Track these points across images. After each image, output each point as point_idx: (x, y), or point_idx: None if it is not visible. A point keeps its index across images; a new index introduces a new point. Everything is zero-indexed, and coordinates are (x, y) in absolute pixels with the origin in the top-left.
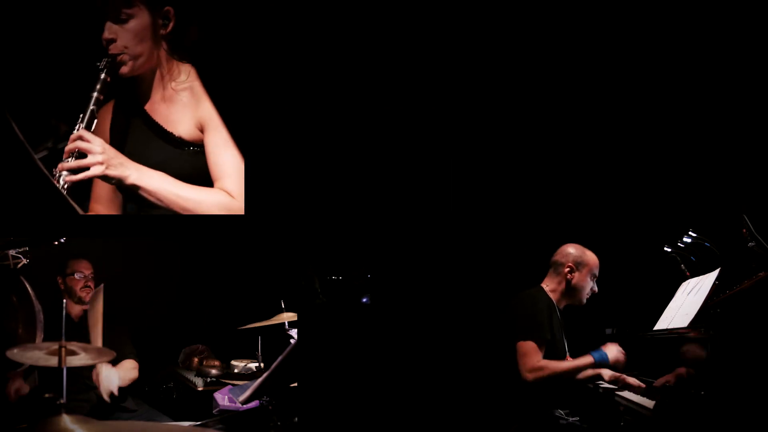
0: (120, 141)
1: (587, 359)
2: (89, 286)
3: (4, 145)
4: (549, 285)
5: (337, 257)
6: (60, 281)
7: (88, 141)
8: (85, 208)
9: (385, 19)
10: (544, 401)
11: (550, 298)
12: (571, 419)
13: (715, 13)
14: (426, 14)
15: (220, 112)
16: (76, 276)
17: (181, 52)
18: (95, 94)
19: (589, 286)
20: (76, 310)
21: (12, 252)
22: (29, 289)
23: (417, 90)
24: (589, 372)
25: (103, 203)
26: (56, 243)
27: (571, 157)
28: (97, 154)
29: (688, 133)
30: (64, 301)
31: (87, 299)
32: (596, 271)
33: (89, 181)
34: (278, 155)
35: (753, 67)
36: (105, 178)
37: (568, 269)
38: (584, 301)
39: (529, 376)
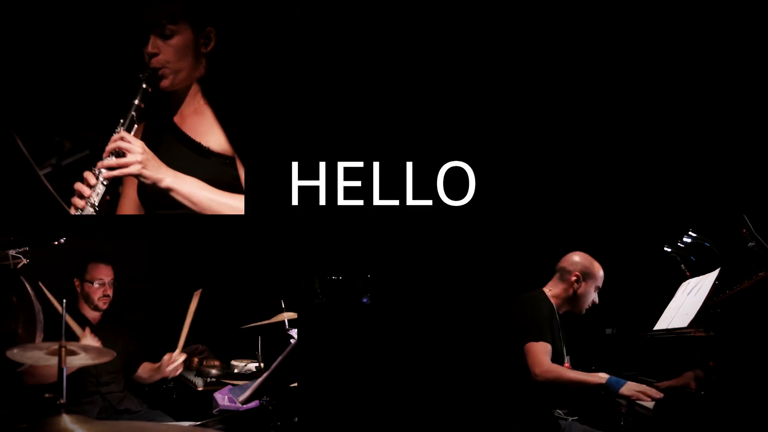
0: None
1: (600, 379)
2: (108, 295)
3: (7, 157)
4: (552, 290)
5: (337, 257)
6: (77, 284)
7: (128, 141)
8: None
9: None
10: (544, 401)
11: (551, 303)
12: (570, 419)
13: (715, 13)
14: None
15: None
16: (95, 284)
17: None
18: (136, 101)
19: (592, 297)
20: (93, 313)
21: (12, 252)
22: (29, 289)
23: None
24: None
25: None
26: (56, 243)
27: (570, 156)
28: (136, 154)
29: (688, 133)
30: (64, 300)
31: (104, 308)
32: (600, 284)
33: (117, 199)
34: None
35: (753, 67)
36: (141, 178)
37: (575, 278)
38: (584, 311)
39: (540, 377)
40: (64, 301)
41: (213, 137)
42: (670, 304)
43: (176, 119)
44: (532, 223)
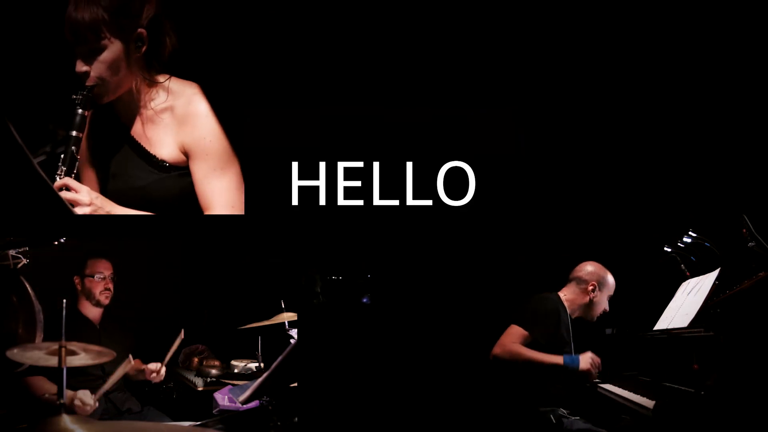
0: (102, 160)
1: (557, 359)
2: (109, 289)
3: (3, 149)
4: (568, 295)
5: (338, 257)
6: (77, 281)
7: (75, 190)
8: None
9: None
10: (545, 400)
11: (564, 305)
12: (572, 418)
13: (715, 13)
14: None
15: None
16: (96, 278)
17: (158, 68)
18: (74, 133)
19: (604, 305)
20: (94, 312)
21: (12, 252)
22: (29, 289)
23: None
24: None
25: None
26: (56, 243)
27: (570, 156)
28: (84, 206)
29: (687, 133)
30: (64, 300)
31: (105, 303)
32: (612, 293)
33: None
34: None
35: (753, 67)
36: None
37: (592, 287)
38: (596, 318)
39: (496, 350)
40: (64, 300)
41: (166, 148)
42: (670, 304)
43: (128, 126)
44: (532, 224)
